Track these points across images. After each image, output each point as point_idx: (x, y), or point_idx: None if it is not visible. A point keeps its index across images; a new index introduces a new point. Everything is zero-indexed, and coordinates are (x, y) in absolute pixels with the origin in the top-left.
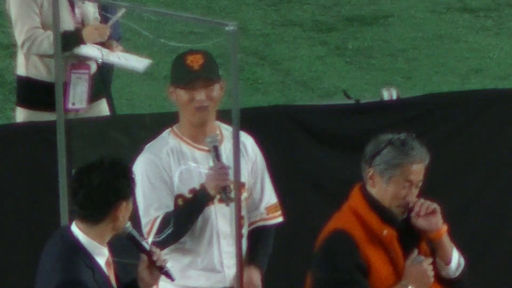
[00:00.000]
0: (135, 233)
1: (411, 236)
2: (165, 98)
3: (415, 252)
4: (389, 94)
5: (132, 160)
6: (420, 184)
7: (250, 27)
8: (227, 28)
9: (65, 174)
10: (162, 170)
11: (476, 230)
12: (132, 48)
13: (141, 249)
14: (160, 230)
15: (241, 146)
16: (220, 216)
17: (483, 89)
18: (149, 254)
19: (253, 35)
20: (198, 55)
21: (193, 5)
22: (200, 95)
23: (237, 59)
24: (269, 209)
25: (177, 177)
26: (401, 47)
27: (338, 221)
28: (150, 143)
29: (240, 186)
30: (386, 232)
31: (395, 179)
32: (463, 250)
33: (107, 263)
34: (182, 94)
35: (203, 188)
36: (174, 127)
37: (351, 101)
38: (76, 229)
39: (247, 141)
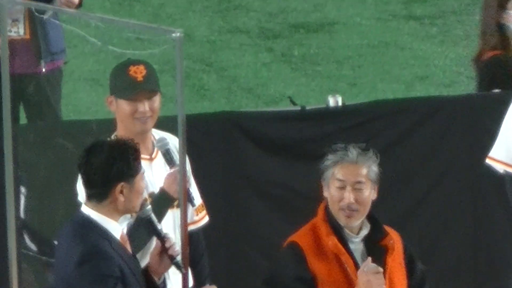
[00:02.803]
0: (154, 217)
1: (376, 251)
2: None
3: (369, 260)
4: (334, 101)
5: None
6: (358, 186)
7: (196, 34)
8: (173, 35)
9: (12, 181)
10: None
11: (421, 235)
12: (79, 54)
13: (156, 234)
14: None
15: (174, 149)
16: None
17: (427, 96)
18: (163, 240)
19: (199, 42)
20: (141, 66)
21: (140, 12)
22: (143, 107)
23: (182, 66)
24: (197, 210)
25: None
26: (347, 55)
27: (296, 233)
28: None
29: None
30: (331, 242)
31: (330, 181)
32: None
33: (121, 237)
34: (124, 105)
35: (163, 192)
36: (112, 136)
37: (297, 108)
38: (85, 208)
39: (177, 143)
